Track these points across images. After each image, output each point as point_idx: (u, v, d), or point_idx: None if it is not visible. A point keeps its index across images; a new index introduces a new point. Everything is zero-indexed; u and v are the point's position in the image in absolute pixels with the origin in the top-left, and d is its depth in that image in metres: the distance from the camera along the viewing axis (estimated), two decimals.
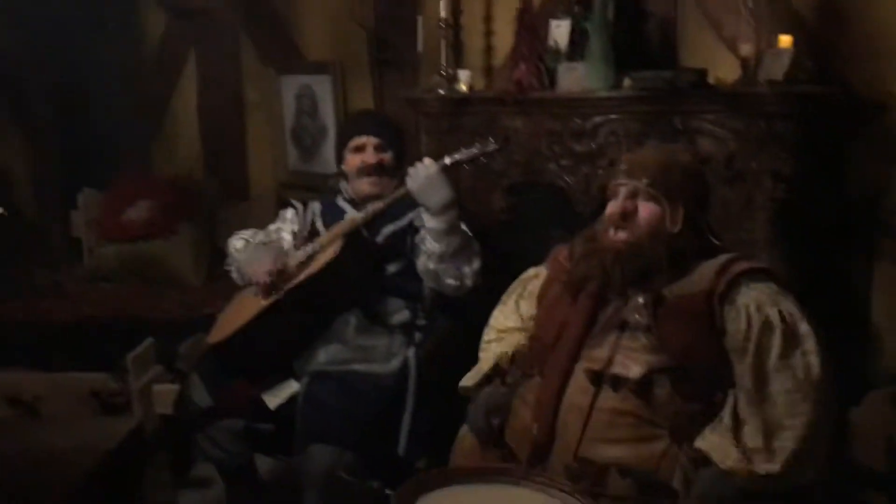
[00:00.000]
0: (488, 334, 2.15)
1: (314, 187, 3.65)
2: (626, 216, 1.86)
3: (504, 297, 2.21)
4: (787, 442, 1.62)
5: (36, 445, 2.44)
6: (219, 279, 3.71)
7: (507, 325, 2.13)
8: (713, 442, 1.66)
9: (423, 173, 2.30)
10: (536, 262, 2.70)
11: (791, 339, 1.70)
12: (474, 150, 2.36)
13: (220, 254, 3.84)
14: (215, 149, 4.34)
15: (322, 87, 3.85)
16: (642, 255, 1.83)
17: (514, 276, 2.34)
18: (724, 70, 2.47)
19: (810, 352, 1.69)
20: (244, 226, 2.96)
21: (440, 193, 2.29)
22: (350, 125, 2.79)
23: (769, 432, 1.64)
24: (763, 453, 1.62)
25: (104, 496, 2.39)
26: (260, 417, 2.35)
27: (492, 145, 2.35)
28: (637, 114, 2.50)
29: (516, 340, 2.07)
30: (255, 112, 4.25)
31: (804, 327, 1.72)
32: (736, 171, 2.35)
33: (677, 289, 1.81)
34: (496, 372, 2.04)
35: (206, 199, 3.98)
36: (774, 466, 1.61)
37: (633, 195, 1.87)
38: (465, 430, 2.01)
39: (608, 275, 1.85)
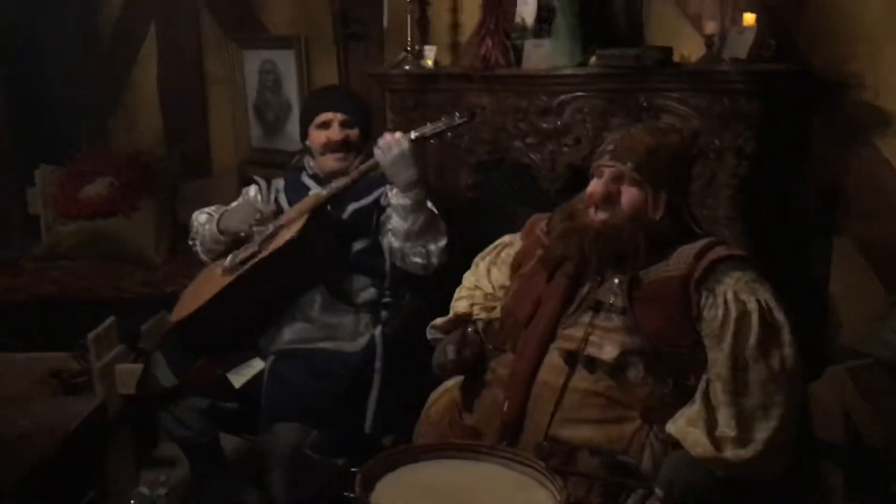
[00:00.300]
0: (459, 292, 2.15)
1: (277, 164, 3.60)
2: (609, 199, 1.84)
3: (476, 260, 2.20)
4: (760, 433, 1.64)
5: None
6: (181, 257, 3.67)
7: (476, 286, 2.12)
8: (684, 428, 1.67)
9: (395, 148, 2.28)
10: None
11: (767, 329, 1.71)
12: (441, 125, 2.34)
13: (183, 231, 3.80)
14: (176, 124, 4.26)
15: (286, 62, 3.79)
16: (621, 238, 1.81)
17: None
18: (689, 48, 2.48)
19: (786, 343, 1.70)
20: (206, 203, 2.91)
21: (409, 170, 2.28)
22: (315, 101, 2.76)
23: (743, 422, 1.65)
24: (735, 442, 1.64)
25: (66, 477, 2.37)
26: (225, 396, 2.33)
27: (458, 119, 2.33)
28: (603, 91, 2.50)
29: (485, 301, 2.06)
30: (217, 87, 4.18)
31: (780, 317, 1.73)
32: (699, 148, 2.37)
33: (654, 272, 1.80)
34: (467, 318, 2.04)
35: (167, 175, 3.90)
36: (746, 453, 1.62)
37: (617, 178, 1.85)
38: (433, 397, 2.02)
39: (586, 255, 1.84)
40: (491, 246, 2.20)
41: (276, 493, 2.20)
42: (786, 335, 1.71)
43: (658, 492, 1.60)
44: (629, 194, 1.84)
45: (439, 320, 2.10)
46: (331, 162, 2.53)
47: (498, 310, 2.04)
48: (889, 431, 1.70)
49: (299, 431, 2.14)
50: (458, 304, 2.09)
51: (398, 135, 2.31)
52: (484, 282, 2.11)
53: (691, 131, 2.35)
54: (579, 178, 2.59)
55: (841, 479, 1.79)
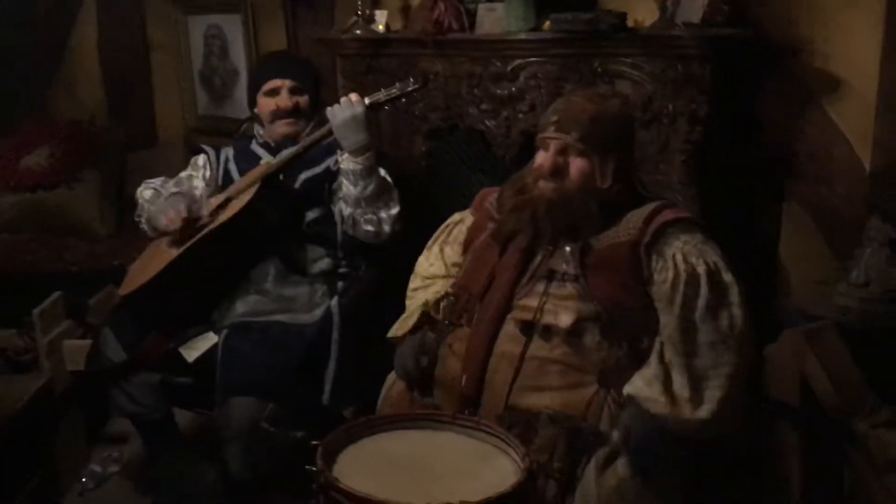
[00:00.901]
0: (414, 282, 2.14)
1: (225, 132, 3.53)
2: (557, 171, 1.85)
3: (429, 243, 2.20)
4: (714, 391, 1.66)
5: None
6: (128, 229, 3.57)
7: (431, 272, 2.12)
8: (641, 387, 1.69)
9: (348, 110, 2.24)
10: (458, 207, 2.70)
11: (716, 290, 1.73)
12: (395, 91, 2.30)
13: (129, 202, 3.68)
14: (119, 93, 4.12)
15: (232, 28, 3.68)
16: (572, 208, 1.83)
17: (437, 222, 2.33)
18: (642, 13, 2.47)
19: (734, 303, 1.73)
20: (153, 173, 2.83)
21: (359, 134, 2.24)
22: (263, 67, 2.69)
23: (695, 382, 1.67)
24: (689, 402, 1.66)
25: (15, 455, 2.31)
26: (177, 371, 2.29)
27: (412, 85, 2.30)
28: (557, 56, 2.49)
29: (442, 287, 2.06)
30: (161, 53, 4.05)
31: (728, 278, 1.75)
32: (653, 113, 2.37)
33: (605, 238, 1.82)
34: (424, 321, 2.03)
35: (111, 145, 3.77)
36: (700, 413, 1.65)
37: (563, 150, 1.85)
38: (392, 377, 2.01)
39: (539, 227, 1.85)
40: (441, 227, 2.21)
41: (232, 468, 2.17)
42: (734, 295, 1.74)
43: (615, 434, 1.63)
44: (576, 165, 1.85)
45: (397, 331, 2.06)
46: (280, 128, 2.48)
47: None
48: (843, 393, 1.73)
49: (256, 405, 2.11)
50: (415, 299, 2.08)
51: (354, 96, 2.27)
52: (438, 264, 2.12)
53: (644, 97, 2.36)
54: (533, 144, 2.61)
55: (797, 440, 1.83)
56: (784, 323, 2.29)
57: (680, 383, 1.67)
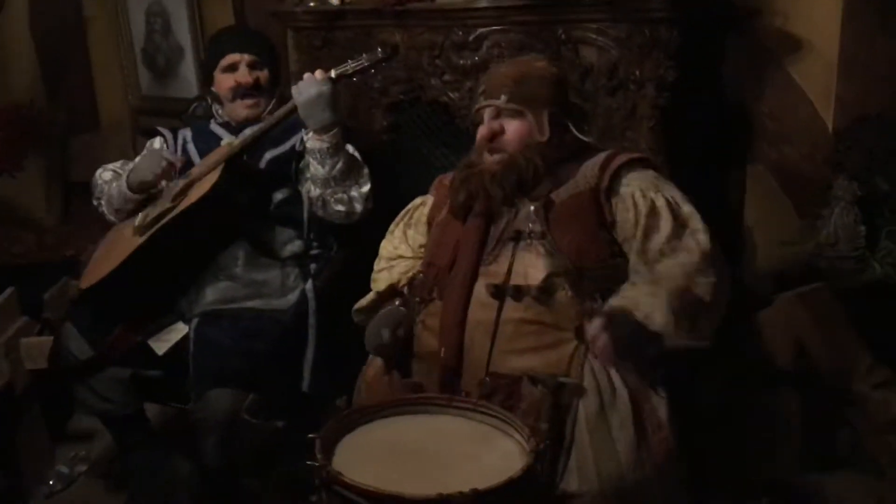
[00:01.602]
0: (378, 264, 2.13)
1: (171, 112, 3.39)
2: (495, 137, 1.89)
3: (391, 227, 2.19)
4: (699, 294, 1.67)
5: None
6: (76, 218, 3.44)
7: (396, 254, 2.11)
8: (627, 295, 1.68)
9: (313, 88, 2.16)
10: (423, 182, 2.65)
11: (677, 220, 1.77)
12: (363, 61, 2.22)
13: (76, 189, 3.56)
14: (55, 74, 3.93)
15: (175, 4, 3.54)
16: (518, 168, 1.86)
17: (402, 198, 2.29)
18: None
19: (698, 230, 1.76)
20: (98, 158, 2.70)
21: (326, 112, 2.17)
22: (219, 42, 2.54)
23: (664, 290, 1.66)
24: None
25: None
26: (146, 364, 2.21)
27: (381, 55, 2.22)
28: (520, 24, 2.44)
29: (406, 267, 2.06)
30: (98, 32, 3.88)
31: (687, 208, 1.80)
32: (619, 80, 2.35)
33: (564, 192, 1.85)
34: (391, 293, 2.03)
35: (53, 128, 3.61)
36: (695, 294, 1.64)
37: (496, 115, 1.91)
38: (367, 362, 1.98)
39: (489, 193, 1.87)
40: (402, 211, 2.20)
41: (209, 460, 2.09)
42: (697, 222, 1.77)
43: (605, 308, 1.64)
44: (511, 126, 1.90)
45: (363, 301, 2.07)
46: (242, 109, 2.38)
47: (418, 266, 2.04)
48: (838, 355, 1.75)
49: (234, 396, 2.03)
50: (380, 280, 2.08)
51: (318, 73, 2.18)
52: (403, 246, 2.12)
53: (610, 63, 2.34)
54: None
55: (796, 403, 1.85)
56: (751, 287, 2.33)
57: (648, 291, 1.67)
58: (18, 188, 3.41)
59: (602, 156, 1.88)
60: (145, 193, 2.31)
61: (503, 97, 1.89)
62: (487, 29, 2.49)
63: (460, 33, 2.53)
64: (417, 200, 2.19)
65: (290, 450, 2.02)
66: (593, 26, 2.35)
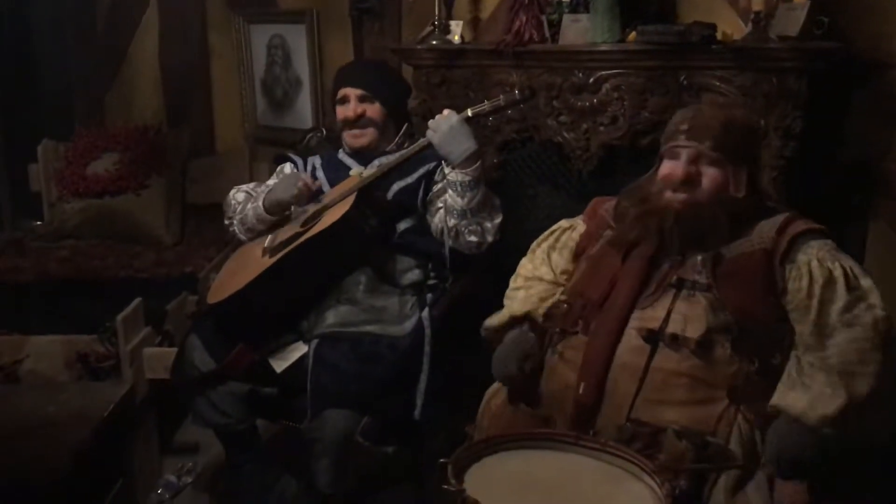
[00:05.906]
0: (515, 281, 2.10)
1: (283, 142, 3.53)
2: (688, 181, 1.82)
3: (533, 246, 2.16)
4: (860, 387, 1.61)
5: (20, 413, 2.33)
6: (192, 237, 3.58)
7: (535, 275, 2.07)
8: (784, 393, 1.64)
9: (444, 124, 2.22)
10: (529, 220, 2.67)
11: (854, 292, 1.69)
12: (499, 102, 2.27)
13: (191, 210, 3.71)
14: (178, 100, 4.14)
15: (295, 37, 3.69)
16: (702, 218, 1.80)
17: (507, 235, 2.32)
18: (722, 26, 2.44)
19: (875, 305, 1.68)
20: (215, 182, 2.81)
21: (463, 145, 2.22)
22: (337, 76, 2.66)
23: (840, 378, 1.61)
24: (832, 398, 1.60)
25: (97, 464, 2.30)
26: (264, 381, 2.27)
27: (517, 97, 2.27)
28: (642, 68, 2.46)
29: (545, 292, 2.02)
30: (221, 62, 4.07)
31: (866, 282, 1.72)
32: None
33: (736, 248, 1.80)
34: (525, 318, 2.00)
35: (176, 152, 3.77)
36: (842, 402, 1.58)
37: (694, 159, 1.84)
38: (491, 391, 1.98)
39: (666, 236, 1.82)
40: (547, 231, 2.16)
41: (320, 482, 2.13)
42: (875, 298, 1.69)
43: (764, 467, 1.58)
44: (710, 175, 1.83)
45: (495, 320, 2.04)
46: (350, 139, 2.48)
47: (558, 294, 2.01)
48: None
49: (350, 418, 2.07)
50: (516, 301, 2.04)
51: (447, 111, 2.25)
52: (544, 268, 2.07)
53: None
54: (613, 158, 2.58)
55: None
56: None
57: (822, 381, 1.62)
58: (141, 206, 3.54)
59: (780, 218, 1.83)
60: (279, 215, 2.40)
61: (708, 143, 1.81)
62: (608, 72, 2.51)
63: (580, 75, 2.56)
64: (564, 223, 2.14)
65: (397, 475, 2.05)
66: (717, 73, 2.35)
